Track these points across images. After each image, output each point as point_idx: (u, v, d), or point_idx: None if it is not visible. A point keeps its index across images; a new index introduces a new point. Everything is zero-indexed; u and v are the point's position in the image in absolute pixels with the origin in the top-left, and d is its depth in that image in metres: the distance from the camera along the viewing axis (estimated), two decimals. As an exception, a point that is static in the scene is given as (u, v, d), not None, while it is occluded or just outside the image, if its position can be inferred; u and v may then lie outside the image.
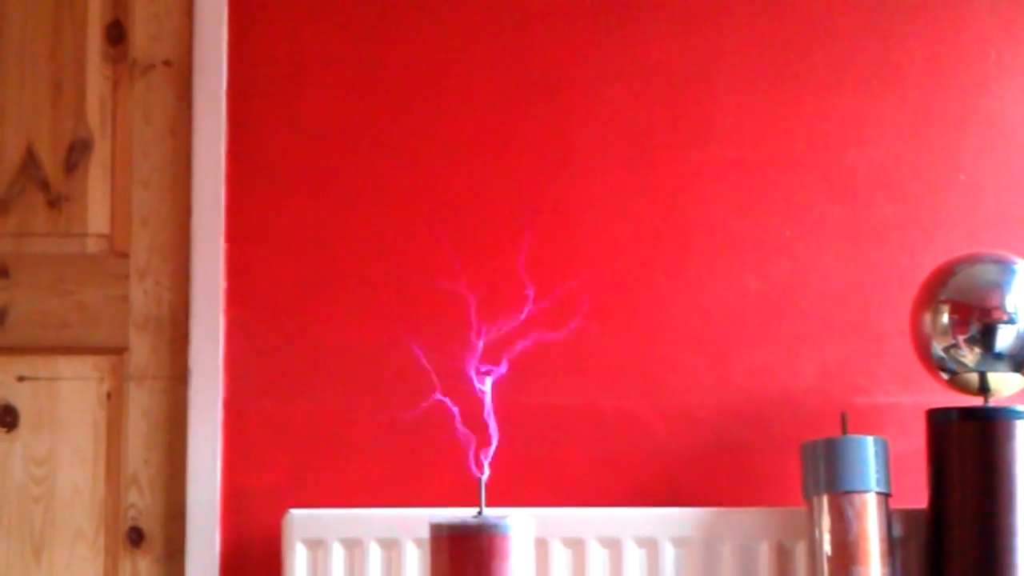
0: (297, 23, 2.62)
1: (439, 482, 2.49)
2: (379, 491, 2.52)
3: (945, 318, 2.36)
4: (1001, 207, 2.59)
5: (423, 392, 2.44)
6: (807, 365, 2.55)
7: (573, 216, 2.59)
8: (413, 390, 2.46)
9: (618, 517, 2.44)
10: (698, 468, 2.54)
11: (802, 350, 2.56)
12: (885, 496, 2.34)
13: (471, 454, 2.25)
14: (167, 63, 2.63)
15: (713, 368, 2.56)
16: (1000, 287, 2.36)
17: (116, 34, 2.64)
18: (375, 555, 2.42)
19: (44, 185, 2.61)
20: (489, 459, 2.26)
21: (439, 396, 2.29)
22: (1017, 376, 2.36)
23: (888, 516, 2.34)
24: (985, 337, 2.34)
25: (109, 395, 2.58)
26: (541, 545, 2.39)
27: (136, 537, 2.55)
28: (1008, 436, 2.31)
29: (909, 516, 2.40)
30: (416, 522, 2.38)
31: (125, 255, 2.60)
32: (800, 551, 2.41)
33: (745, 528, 2.42)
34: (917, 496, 2.39)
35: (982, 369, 2.35)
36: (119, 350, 2.58)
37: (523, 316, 2.37)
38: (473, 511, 2.25)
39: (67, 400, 2.58)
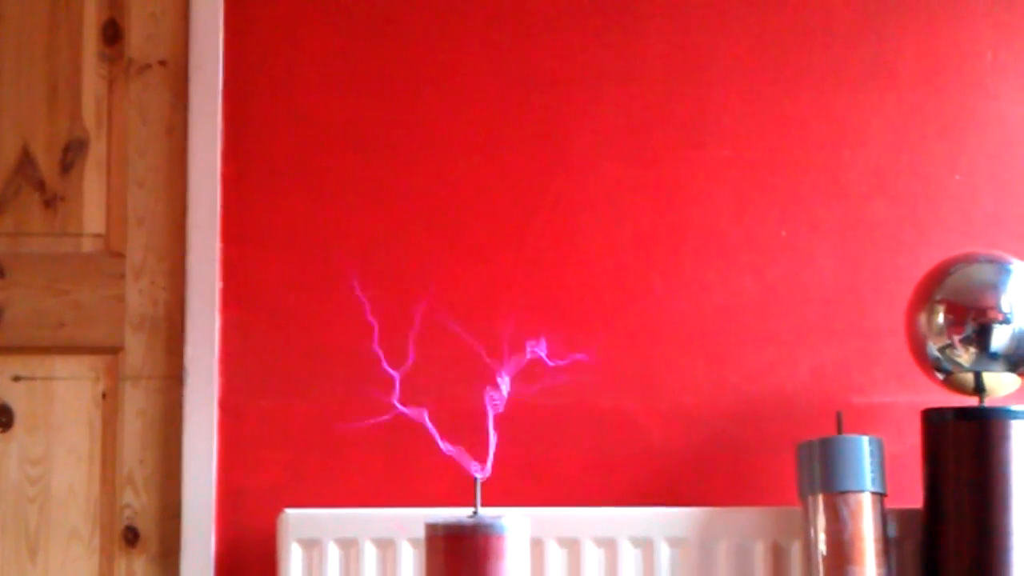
0: (293, 23, 2.62)
1: (434, 482, 2.49)
2: (374, 491, 2.52)
3: (941, 318, 2.36)
4: (997, 207, 2.59)
5: (421, 391, 2.45)
6: (803, 365, 2.56)
7: (570, 215, 2.59)
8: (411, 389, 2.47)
9: (614, 517, 2.44)
10: (694, 468, 2.54)
11: (798, 350, 2.56)
12: (880, 496, 2.34)
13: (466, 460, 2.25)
14: (163, 63, 2.63)
15: (709, 368, 2.56)
16: (996, 287, 2.36)
17: (112, 34, 2.64)
18: (370, 555, 2.42)
19: (40, 185, 2.61)
20: (490, 461, 2.26)
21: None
22: (1012, 376, 2.36)
23: (883, 516, 2.34)
24: (980, 337, 2.34)
25: (105, 395, 2.58)
26: (537, 545, 2.39)
27: (131, 537, 2.55)
28: (1003, 436, 2.31)
29: (904, 516, 2.40)
30: (411, 522, 2.38)
31: (121, 255, 2.60)
32: (795, 551, 2.41)
33: (741, 528, 2.42)
34: (912, 496, 2.39)
35: (977, 369, 2.35)
36: (115, 350, 2.58)
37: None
38: (469, 511, 2.24)
39: (63, 400, 2.57)
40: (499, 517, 2.21)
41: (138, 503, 2.56)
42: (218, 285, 2.57)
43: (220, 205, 2.58)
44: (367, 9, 2.62)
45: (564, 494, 2.52)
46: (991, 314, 2.35)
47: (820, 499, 2.33)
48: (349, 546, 2.42)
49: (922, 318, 2.38)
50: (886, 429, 2.47)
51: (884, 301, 2.55)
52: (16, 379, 2.58)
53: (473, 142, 2.60)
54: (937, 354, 2.37)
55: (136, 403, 2.57)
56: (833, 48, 2.61)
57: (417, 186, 2.59)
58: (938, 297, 2.37)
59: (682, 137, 2.60)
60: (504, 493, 2.40)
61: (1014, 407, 2.33)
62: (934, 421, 2.36)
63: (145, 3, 2.63)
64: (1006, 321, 2.34)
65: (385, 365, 2.29)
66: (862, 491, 2.32)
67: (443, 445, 2.24)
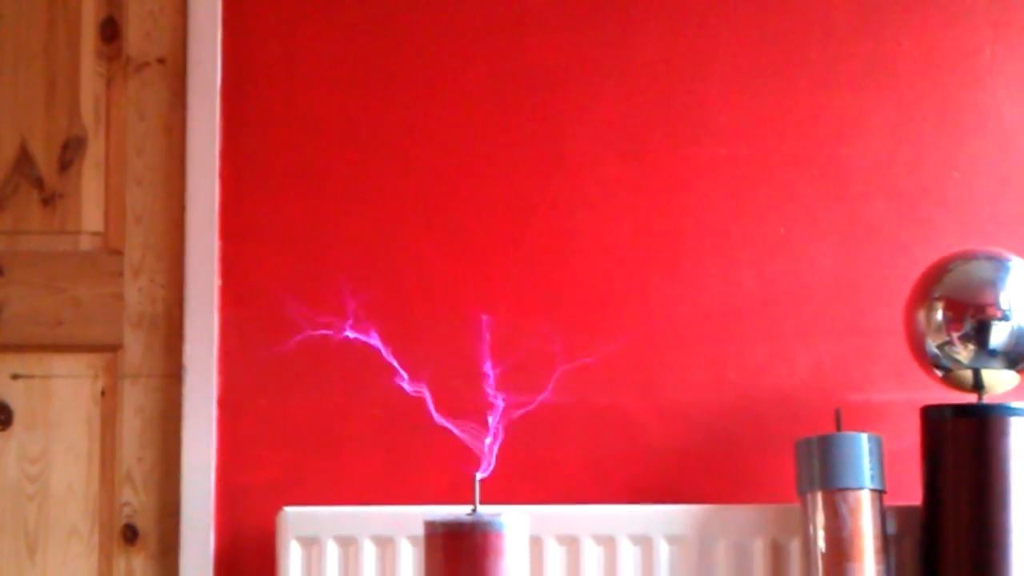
0: (291, 21, 2.62)
1: (433, 480, 2.50)
2: (373, 489, 2.52)
3: (939, 315, 2.36)
4: (995, 204, 2.59)
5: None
6: (801, 362, 2.56)
7: (567, 213, 2.59)
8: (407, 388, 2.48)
9: (613, 514, 2.44)
10: (692, 465, 2.54)
11: (796, 347, 2.56)
12: (879, 493, 2.34)
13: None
14: (161, 60, 2.63)
15: (707, 365, 2.56)
16: (994, 284, 2.36)
17: (110, 32, 2.63)
18: (369, 553, 2.42)
19: (38, 183, 2.61)
20: (492, 460, 2.26)
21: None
22: (1011, 373, 2.36)
23: (882, 513, 2.34)
24: (979, 334, 2.34)
25: (103, 393, 2.58)
26: (536, 543, 2.40)
27: (130, 535, 2.55)
28: (1002, 433, 2.31)
29: (903, 513, 2.40)
30: (410, 520, 2.37)
31: (119, 252, 2.60)
32: (794, 548, 2.41)
33: (740, 525, 2.42)
34: (911, 493, 2.39)
35: (976, 366, 2.35)
36: (113, 348, 2.58)
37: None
38: (467, 509, 2.24)
39: (61, 398, 2.57)
40: (498, 515, 2.21)
41: (137, 501, 2.56)
42: (217, 283, 2.57)
43: (219, 203, 2.58)
44: (365, 7, 2.62)
45: (563, 492, 2.52)
46: (990, 311, 2.35)
47: (819, 496, 2.33)
48: (348, 544, 2.42)
49: (921, 315, 2.38)
50: (885, 426, 2.47)
51: (883, 298, 2.55)
52: (15, 377, 2.58)
53: (471, 140, 2.60)
54: (936, 351, 2.37)
55: (135, 401, 2.57)
56: (831, 45, 2.61)
57: (415, 184, 2.59)
58: (937, 294, 2.37)
59: (680, 135, 2.60)
60: (503, 491, 2.39)
61: (1013, 404, 2.33)
62: (933, 418, 2.36)
63: (143, 1, 2.63)
64: (1005, 318, 2.34)
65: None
66: (861, 488, 2.33)
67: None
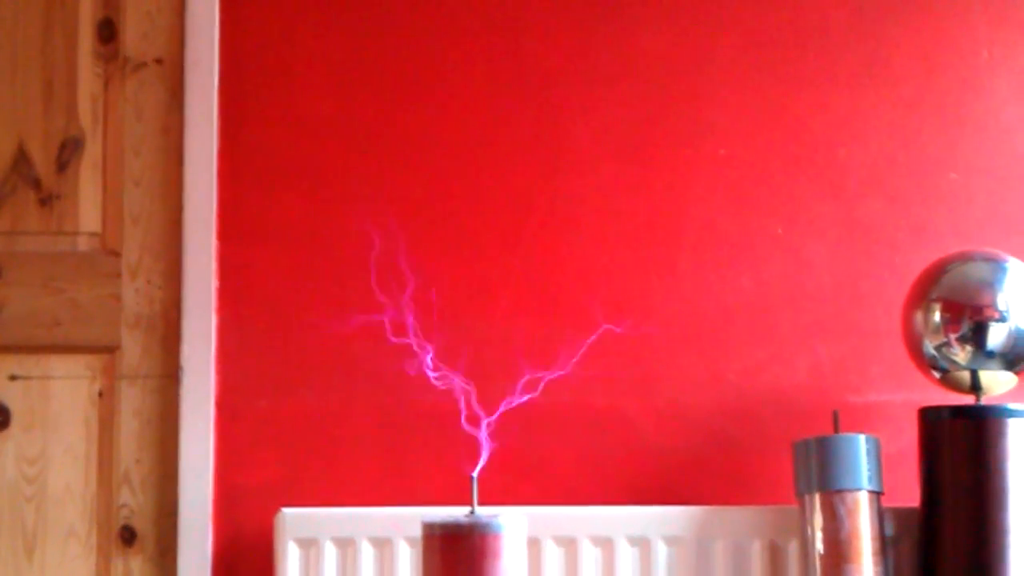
0: (289, 21, 2.62)
1: (431, 481, 2.49)
2: (371, 490, 2.52)
3: (937, 316, 2.36)
4: (993, 205, 2.59)
5: (416, 391, 2.45)
6: (799, 363, 2.56)
7: (566, 214, 2.59)
8: (406, 389, 2.48)
9: (610, 516, 2.44)
10: (690, 467, 2.54)
11: (794, 348, 2.56)
12: (877, 494, 2.34)
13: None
14: (159, 61, 2.63)
15: (705, 366, 2.56)
16: (992, 285, 2.36)
17: (107, 32, 2.63)
18: (367, 554, 2.42)
19: (35, 183, 2.61)
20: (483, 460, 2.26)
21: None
22: (1009, 374, 2.36)
23: (880, 514, 2.35)
24: (977, 335, 2.34)
25: (101, 394, 2.58)
26: (533, 544, 2.40)
27: (128, 536, 2.55)
28: (1000, 434, 2.32)
29: (901, 514, 2.41)
30: (408, 521, 2.37)
31: (117, 253, 2.60)
32: (792, 549, 2.41)
33: (737, 526, 2.42)
34: (909, 494, 2.39)
35: (974, 367, 2.35)
36: (111, 349, 2.58)
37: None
38: (465, 510, 2.24)
39: (59, 399, 2.57)
40: (496, 516, 2.21)
41: (135, 502, 2.56)
42: (214, 284, 2.57)
43: (216, 204, 2.58)
44: (363, 7, 2.62)
45: (561, 493, 2.52)
46: (987, 312, 2.35)
47: (817, 498, 2.33)
48: (346, 545, 2.42)
49: (918, 316, 2.38)
50: (883, 428, 2.47)
51: (880, 299, 2.55)
52: (12, 378, 2.58)
53: (469, 141, 2.60)
54: (933, 352, 2.37)
55: (133, 402, 2.57)
56: (829, 46, 2.62)
57: (413, 185, 2.59)
58: (934, 295, 2.37)
59: (678, 136, 2.60)
60: (501, 492, 2.40)
61: (1010, 405, 2.34)
62: (931, 419, 2.36)
63: (140, 1, 2.63)
64: (1002, 319, 2.34)
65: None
66: (859, 490, 2.33)
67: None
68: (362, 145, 2.60)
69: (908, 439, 2.42)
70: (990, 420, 2.32)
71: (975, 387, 2.36)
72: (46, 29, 2.63)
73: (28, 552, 2.54)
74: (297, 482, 2.53)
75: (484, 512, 2.24)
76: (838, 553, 2.31)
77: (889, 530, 2.39)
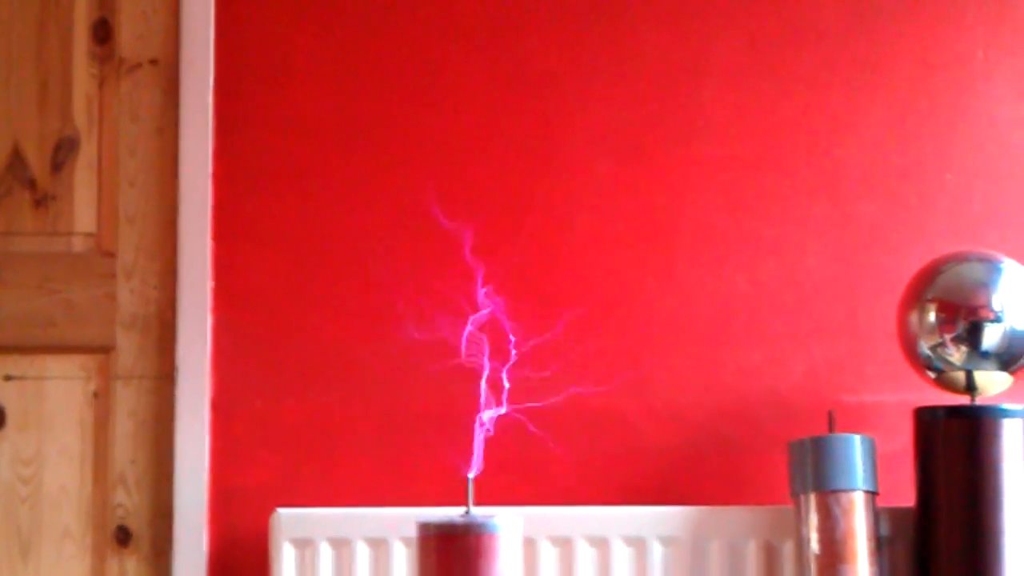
0: (284, 21, 2.62)
1: (427, 482, 2.49)
2: (367, 490, 2.51)
3: (932, 317, 2.37)
4: (988, 206, 2.59)
5: (414, 392, 2.45)
6: (794, 364, 2.56)
7: (561, 214, 2.59)
8: (402, 389, 2.48)
9: (606, 516, 2.44)
10: (686, 467, 2.54)
11: (789, 349, 2.56)
12: (872, 494, 2.34)
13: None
14: (154, 62, 2.62)
15: (701, 367, 2.56)
16: (987, 286, 2.36)
17: (102, 33, 2.63)
18: (363, 554, 2.42)
19: (30, 184, 2.60)
20: (478, 459, 2.26)
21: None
22: (1003, 375, 2.36)
23: (875, 515, 2.35)
24: (972, 335, 2.34)
25: (96, 394, 2.58)
26: (529, 544, 2.39)
27: (123, 536, 2.55)
28: (995, 434, 2.32)
29: (896, 515, 2.40)
30: (404, 521, 2.37)
31: (112, 254, 2.60)
32: (788, 550, 2.41)
33: (733, 527, 2.42)
34: (904, 495, 2.39)
35: (969, 367, 2.35)
36: (106, 349, 2.58)
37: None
38: (461, 510, 2.25)
39: (54, 399, 2.57)
40: (491, 516, 2.21)
41: (130, 503, 2.55)
42: (209, 284, 2.57)
43: (211, 204, 2.58)
44: (358, 7, 2.62)
45: (556, 493, 2.52)
46: (982, 313, 2.35)
47: (812, 498, 2.33)
48: (341, 546, 2.42)
49: (913, 317, 2.39)
50: (878, 428, 2.47)
51: (875, 300, 2.55)
52: (7, 378, 2.58)
53: (465, 139, 2.60)
54: (928, 353, 2.37)
55: (128, 403, 2.57)
56: (824, 46, 2.62)
57: (409, 185, 2.59)
58: (929, 296, 2.37)
59: (674, 136, 2.60)
60: (496, 492, 2.40)
61: (1005, 405, 2.34)
62: (926, 420, 2.36)
63: (136, 2, 2.63)
64: (997, 320, 2.34)
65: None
66: (854, 490, 2.33)
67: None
68: (357, 145, 2.60)
69: (903, 439, 2.42)
70: (985, 420, 2.32)
71: (970, 387, 2.36)
72: (41, 29, 2.63)
73: (23, 553, 2.54)
74: (293, 482, 2.53)
75: (480, 512, 2.24)
76: (833, 553, 2.31)
77: (884, 530, 2.39)
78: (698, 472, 2.53)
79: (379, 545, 2.42)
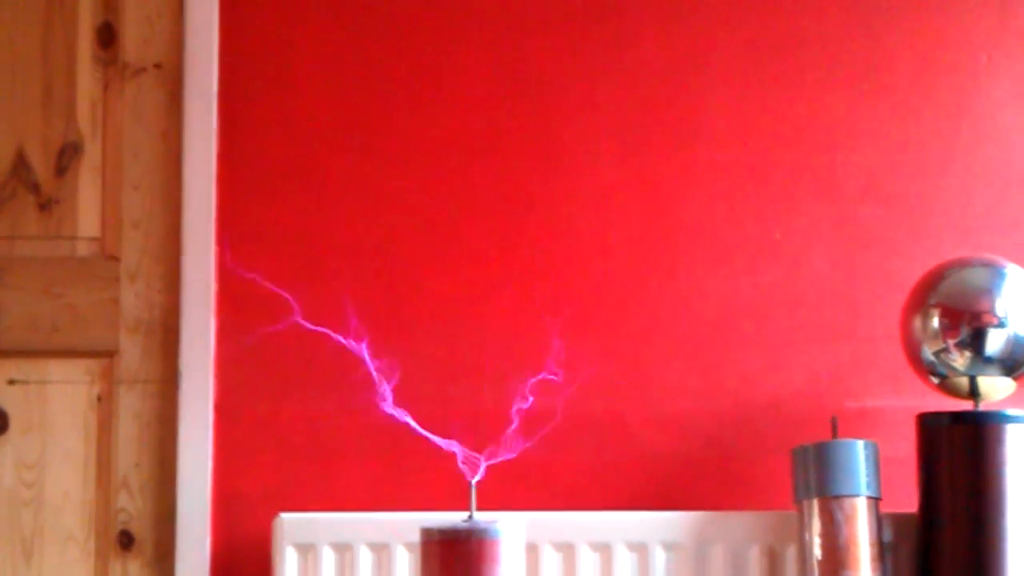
0: (288, 25, 2.62)
1: (430, 486, 2.49)
2: (370, 495, 2.52)
3: (935, 322, 2.36)
4: (992, 211, 2.59)
5: (414, 394, 2.45)
6: (798, 369, 2.55)
7: (563, 217, 2.59)
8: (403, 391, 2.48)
9: (609, 521, 2.44)
10: (689, 472, 2.54)
11: (792, 354, 2.56)
12: (875, 500, 2.34)
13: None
14: (158, 66, 2.63)
15: (704, 372, 2.56)
16: (990, 291, 2.36)
17: (107, 37, 2.63)
18: (365, 559, 2.42)
19: (35, 188, 2.61)
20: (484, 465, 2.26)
21: (444, 441, 2.28)
22: (1007, 380, 2.36)
23: (878, 520, 2.34)
24: (975, 341, 2.34)
25: (100, 398, 2.58)
26: (532, 549, 2.39)
27: (126, 541, 2.55)
28: (998, 440, 2.31)
29: (899, 520, 2.40)
30: (407, 526, 2.37)
31: (116, 258, 2.60)
32: (790, 555, 2.41)
33: (736, 532, 2.42)
34: (907, 500, 2.39)
35: (972, 373, 2.35)
36: (110, 353, 2.58)
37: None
38: (464, 515, 2.25)
39: (57, 403, 2.57)
40: (494, 521, 2.21)
41: (133, 507, 2.56)
42: (213, 288, 2.57)
43: (215, 208, 2.58)
44: (361, 11, 2.62)
45: (559, 498, 2.52)
46: (986, 318, 2.35)
47: (815, 503, 2.33)
48: (344, 550, 2.42)
49: (917, 322, 2.38)
50: (881, 433, 2.47)
51: (879, 305, 2.55)
52: (11, 383, 2.58)
53: (466, 144, 2.60)
54: (932, 358, 2.37)
55: (131, 407, 2.57)
56: (827, 50, 2.61)
57: (411, 188, 2.59)
58: (933, 301, 2.37)
59: (675, 139, 2.60)
60: (499, 497, 2.40)
61: (1009, 411, 2.33)
62: (929, 425, 2.36)
63: (140, 6, 2.63)
64: (1001, 325, 2.34)
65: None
66: (857, 495, 2.33)
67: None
68: (360, 148, 2.60)
69: (906, 445, 2.42)
70: (988, 426, 2.32)
71: (973, 393, 2.36)
72: (46, 34, 2.63)
73: (26, 557, 2.54)
74: (295, 487, 2.53)
75: (482, 517, 2.24)
76: (836, 559, 2.31)
77: (887, 536, 2.39)
78: (701, 477, 2.53)
79: (382, 550, 2.42)
